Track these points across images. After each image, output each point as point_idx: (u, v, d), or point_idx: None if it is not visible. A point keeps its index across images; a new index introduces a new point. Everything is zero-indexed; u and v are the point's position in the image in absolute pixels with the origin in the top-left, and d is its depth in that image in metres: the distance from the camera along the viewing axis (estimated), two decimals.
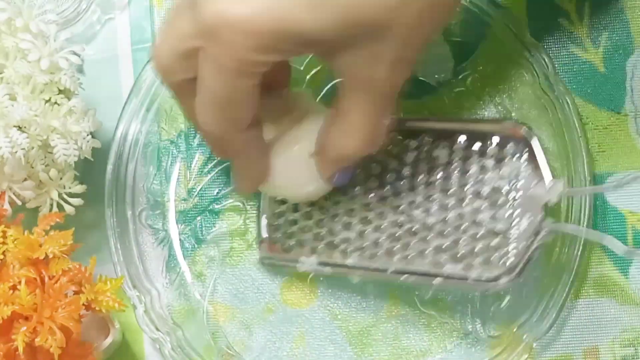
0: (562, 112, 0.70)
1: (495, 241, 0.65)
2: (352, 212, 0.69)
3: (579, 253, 0.69)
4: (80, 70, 0.75)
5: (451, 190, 0.67)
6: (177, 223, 0.74)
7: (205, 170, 0.74)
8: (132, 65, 0.75)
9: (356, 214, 0.69)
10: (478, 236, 0.66)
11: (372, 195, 0.69)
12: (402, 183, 0.68)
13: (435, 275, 0.66)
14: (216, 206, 0.74)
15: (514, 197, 0.66)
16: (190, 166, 0.74)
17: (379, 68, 0.57)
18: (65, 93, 0.68)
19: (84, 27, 0.76)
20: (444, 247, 0.66)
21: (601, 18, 0.73)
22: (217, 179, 0.74)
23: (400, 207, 0.68)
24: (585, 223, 0.69)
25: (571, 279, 0.69)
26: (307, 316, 0.72)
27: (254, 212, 0.73)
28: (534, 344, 0.69)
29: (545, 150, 0.66)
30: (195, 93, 0.58)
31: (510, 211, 0.66)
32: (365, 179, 0.69)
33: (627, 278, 0.70)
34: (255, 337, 0.72)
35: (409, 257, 0.67)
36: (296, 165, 0.64)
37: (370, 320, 0.71)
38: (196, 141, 0.74)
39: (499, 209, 0.66)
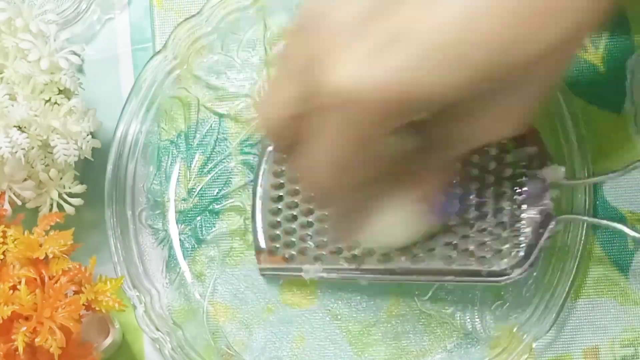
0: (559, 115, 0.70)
1: (505, 233, 0.65)
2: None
3: (579, 253, 0.69)
4: (80, 70, 0.75)
5: (455, 186, 0.67)
6: (177, 223, 0.74)
7: (205, 170, 0.74)
8: (132, 65, 0.75)
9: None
10: (487, 230, 0.66)
11: None
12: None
13: (447, 273, 0.66)
14: (216, 206, 0.74)
15: (520, 189, 0.66)
16: (190, 166, 0.74)
17: (497, 124, 0.55)
18: (65, 93, 0.68)
19: (84, 27, 0.76)
20: (452, 243, 0.66)
21: None
22: (217, 179, 0.74)
23: None
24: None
25: (571, 279, 0.69)
26: (307, 316, 0.72)
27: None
28: (534, 344, 0.69)
29: (544, 139, 0.66)
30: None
31: (517, 203, 0.66)
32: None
33: (627, 278, 0.70)
34: (255, 337, 0.72)
35: (417, 256, 0.67)
36: (396, 212, 0.62)
37: (370, 320, 0.71)
38: (196, 141, 0.74)
39: (505, 201, 0.66)
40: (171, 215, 0.74)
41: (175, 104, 0.74)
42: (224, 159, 0.74)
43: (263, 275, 0.72)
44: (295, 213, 0.70)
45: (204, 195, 0.74)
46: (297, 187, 0.70)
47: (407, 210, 0.62)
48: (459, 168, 0.66)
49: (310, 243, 0.70)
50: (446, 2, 0.48)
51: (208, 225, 0.74)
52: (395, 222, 0.63)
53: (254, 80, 0.74)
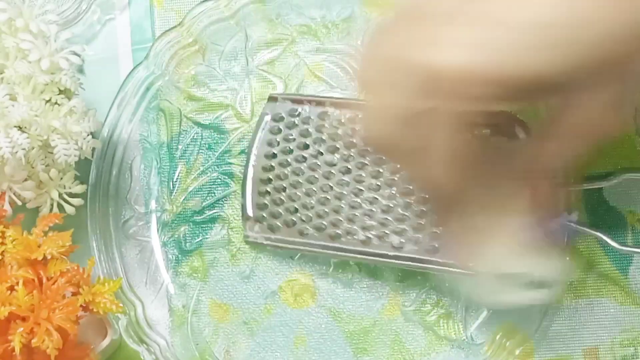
0: None
1: None
2: (341, 196, 0.69)
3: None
4: (80, 70, 0.75)
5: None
6: (160, 234, 0.74)
7: (188, 181, 0.74)
8: (132, 66, 0.75)
9: (345, 198, 0.69)
10: None
11: (362, 182, 0.69)
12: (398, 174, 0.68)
13: (426, 262, 0.67)
14: (199, 217, 0.74)
15: None
16: (173, 178, 0.74)
17: (603, 117, 0.52)
18: (66, 93, 0.68)
19: (84, 28, 0.76)
20: (438, 232, 0.67)
21: None
22: (200, 190, 0.74)
23: (393, 193, 0.68)
24: None
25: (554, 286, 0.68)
26: (306, 316, 0.72)
27: (237, 221, 0.73)
28: (517, 351, 0.69)
29: None
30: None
31: None
32: (358, 167, 0.69)
33: (627, 278, 0.70)
34: (239, 347, 0.72)
35: (399, 242, 0.68)
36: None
37: (370, 320, 0.71)
38: (178, 152, 0.75)
39: None
40: (154, 227, 0.74)
41: (158, 115, 0.75)
42: (206, 169, 0.74)
43: (246, 241, 0.72)
44: (285, 185, 0.71)
45: (187, 206, 0.74)
46: (289, 159, 0.71)
47: (516, 225, 0.59)
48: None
49: (296, 216, 0.70)
50: None
51: (191, 236, 0.74)
52: (506, 243, 0.59)
53: (235, 90, 0.74)
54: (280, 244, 0.71)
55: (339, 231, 0.69)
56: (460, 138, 0.51)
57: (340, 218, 0.69)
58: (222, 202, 0.74)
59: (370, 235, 0.68)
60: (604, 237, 0.64)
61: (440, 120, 0.50)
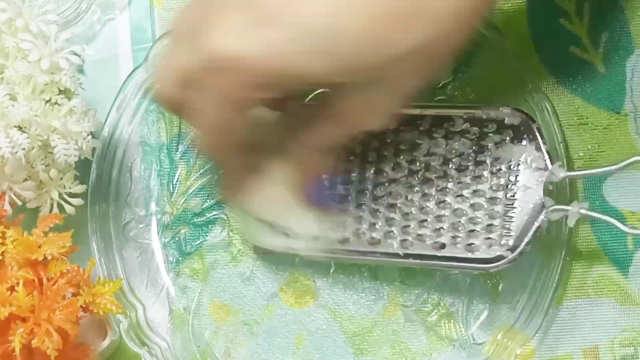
0: (542, 118, 0.69)
1: (495, 222, 0.66)
2: (347, 198, 0.69)
3: (562, 259, 0.69)
4: (80, 70, 0.75)
5: (450, 174, 0.67)
6: (160, 236, 0.74)
7: (188, 183, 0.74)
8: (132, 66, 0.75)
9: (352, 199, 0.69)
10: (477, 218, 0.66)
11: (368, 181, 0.69)
12: (398, 168, 0.68)
13: (434, 258, 0.67)
14: (199, 219, 0.74)
15: (515, 179, 0.66)
16: (173, 180, 0.74)
17: (364, 113, 0.60)
18: (66, 93, 0.68)
19: (84, 28, 0.76)
20: (442, 230, 0.67)
21: (601, 18, 0.73)
22: (200, 192, 0.74)
23: (397, 191, 0.68)
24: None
25: (555, 285, 0.68)
26: (307, 317, 0.72)
27: (238, 224, 0.73)
28: (518, 351, 0.68)
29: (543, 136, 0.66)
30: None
31: (511, 193, 0.66)
32: (361, 165, 0.69)
33: (627, 278, 0.70)
34: (240, 348, 0.72)
35: (408, 241, 0.68)
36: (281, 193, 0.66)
37: (370, 320, 0.71)
38: (178, 155, 0.75)
39: (498, 191, 0.66)
40: (154, 229, 0.74)
41: (158, 117, 0.75)
42: (206, 171, 0.74)
43: (257, 254, 0.72)
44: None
45: (187, 208, 0.74)
46: None
47: (282, 189, 0.66)
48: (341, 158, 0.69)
49: None
50: None
51: (191, 238, 0.74)
52: (272, 197, 0.67)
53: None
54: (290, 251, 0.70)
55: (346, 234, 0.69)
56: (229, 113, 0.58)
57: (347, 220, 0.69)
58: (222, 204, 0.74)
59: (376, 236, 0.68)
60: (615, 222, 0.64)
61: (213, 93, 0.56)
